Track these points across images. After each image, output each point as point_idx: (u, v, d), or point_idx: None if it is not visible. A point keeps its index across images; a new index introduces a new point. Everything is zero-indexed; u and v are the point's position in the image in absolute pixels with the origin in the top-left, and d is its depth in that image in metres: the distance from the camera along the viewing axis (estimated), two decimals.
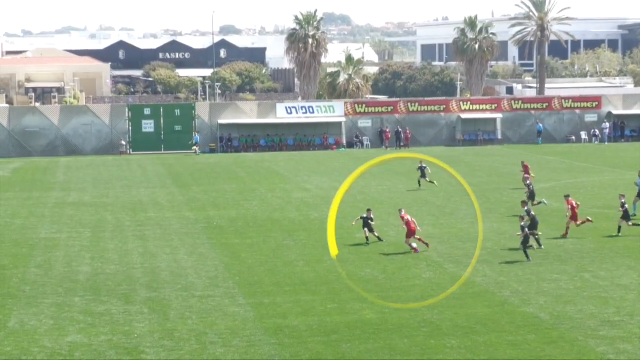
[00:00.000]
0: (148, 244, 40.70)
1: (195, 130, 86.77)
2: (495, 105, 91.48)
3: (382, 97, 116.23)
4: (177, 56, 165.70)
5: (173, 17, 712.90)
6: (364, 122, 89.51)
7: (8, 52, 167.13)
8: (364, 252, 38.11)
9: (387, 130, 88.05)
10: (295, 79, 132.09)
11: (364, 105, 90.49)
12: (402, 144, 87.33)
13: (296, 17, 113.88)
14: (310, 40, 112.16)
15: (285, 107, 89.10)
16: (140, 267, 36.05)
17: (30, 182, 64.78)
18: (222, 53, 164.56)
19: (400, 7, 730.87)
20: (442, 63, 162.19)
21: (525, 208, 39.83)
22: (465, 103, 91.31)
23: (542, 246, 38.35)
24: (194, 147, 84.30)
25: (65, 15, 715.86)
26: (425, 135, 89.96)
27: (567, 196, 41.98)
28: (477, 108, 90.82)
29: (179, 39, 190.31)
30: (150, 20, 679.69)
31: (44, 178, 67.44)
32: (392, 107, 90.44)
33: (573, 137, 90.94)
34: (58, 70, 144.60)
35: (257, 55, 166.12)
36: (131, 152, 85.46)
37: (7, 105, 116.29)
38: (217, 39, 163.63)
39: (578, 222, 41.39)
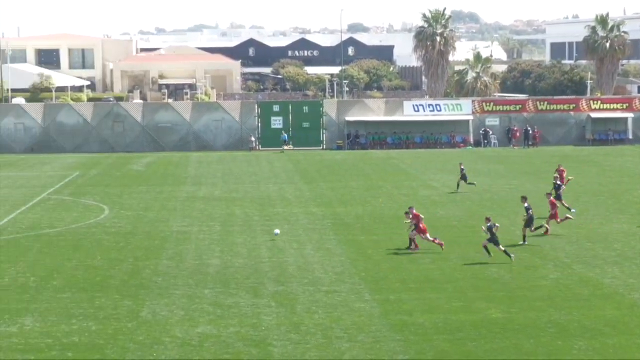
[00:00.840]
0: (276, 239, 41.12)
1: (323, 126, 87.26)
2: (627, 104, 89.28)
3: (513, 96, 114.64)
4: (305, 54, 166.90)
5: (302, 15, 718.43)
6: (492, 121, 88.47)
7: (142, 50, 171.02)
8: (490, 251, 37.69)
9: (515, 129, 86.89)
10: (423, 77, 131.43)
11: (492, 104, 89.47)
12: (530, 143, 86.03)
13: (424, 15, 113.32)
14: (438, 38, 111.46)
15: (413, 105, 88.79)
16: (268, 261, 36.45)
17: (162, 177, 66.24)
18: (350, 51, 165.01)
19: (529, 5, 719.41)
20: (572, 61, 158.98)
21: (525, 204, 39.71)
22: (595, 102, 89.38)
23: (526, 242, 38.92)
24: (284, 145, 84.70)
25: (197, 13, 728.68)
26: (554, 135, 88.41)
27: (549, 194, 42.66)
28: (608, 107, 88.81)
29: (308, 37, 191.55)
30: (280, 19, 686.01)
31: (176, 172, 68.86)
32: (520, 106, 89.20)
33: None
34: (190, 67, 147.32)
35: (384, 53, 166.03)
36: (260, 148, 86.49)
37: (141, 101, 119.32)
38: (345, 37, 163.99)
39: (559, 220, 41.55)
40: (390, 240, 40.57)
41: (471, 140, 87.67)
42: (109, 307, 29.60)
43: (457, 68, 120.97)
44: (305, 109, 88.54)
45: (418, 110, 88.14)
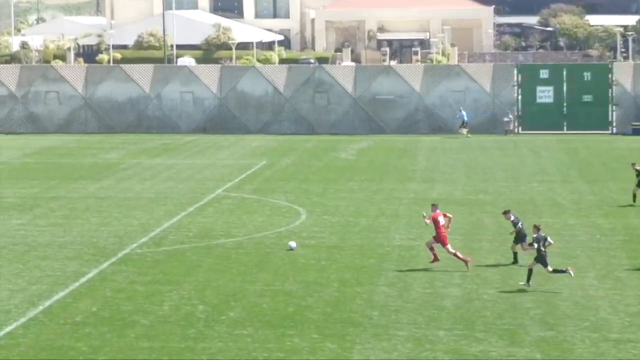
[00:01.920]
0: None
1: (613, 101, 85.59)
2: None
3: None
4: None
5: None
6: None
7: None
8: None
9: None
10: None
11: None
12: None
13: None
14: None
15: None
16: (531, 293, 35.90)
17: (380, 169, 66.69)
18: None
19: None
20: None
21: None
22: None
23: None
24: (462, 128, 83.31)
25: None
26: None
27: None
28: None
29: None
30: None
31: (399, 164, 69.22)
32: None
33: None
34: (422, 16, 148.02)
35: None
36: (520, 131, 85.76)
37: (354, 63, 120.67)
38: None
39: None
40: None
41: None
42: (305, 350, 29.84)
43: None
44: (587, 75, 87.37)
45: None
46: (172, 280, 38.03)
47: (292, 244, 43.26)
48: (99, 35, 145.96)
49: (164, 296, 35.75)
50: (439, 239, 39.44)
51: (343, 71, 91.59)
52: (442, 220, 39.58)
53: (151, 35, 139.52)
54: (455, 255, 39.38)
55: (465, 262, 39.27)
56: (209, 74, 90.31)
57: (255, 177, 63.79)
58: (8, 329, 31.61)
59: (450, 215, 40.46)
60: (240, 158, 72.40)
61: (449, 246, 39.39)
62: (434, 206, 40.38)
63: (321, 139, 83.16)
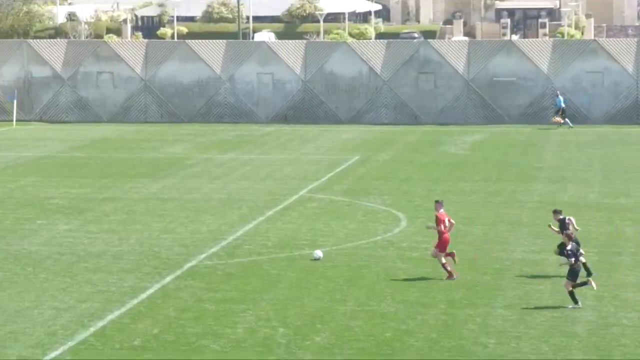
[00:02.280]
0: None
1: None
2: None
3: None
4: None
5: None
6: None
7: None
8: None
9: None
10: None
11: None
12: None
13: None
14: None
15: None
16: None
17: (498, 167, 66.70)
18: None
19: None
20: None
21: None
22: None
23: None
24: (556, 117, 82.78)
25: None
26: None
27: None
28: None
29: None
30: None
31: (521, 160, 69.13)
32: None
33: None
34: None
35: None
36: None
37: (467, 38, 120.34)
38: None
39: None
40: None
41: None
42: None
43: None
44: None
45: None
46: (247, 298, 38.05)
47: (318, 252, 43.36)
48: (161, 5, 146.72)
49: (237, 317, 35.76)
50: (440, 243, 40.07)
51: (454, 47, 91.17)
52: (447, 222, 40.18)
53: (223, 4, 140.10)
54: (443, 265, 40.08)
55: (451, 275, 39.95)
56: (292, 52, 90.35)
57: (346, 175, 63.77)
58: (54, 354, 31.75)
59: (453, 222, 40.90)
60: (329, 153, 72.43)
61: (442, 254, 40.14)
62: (439, 203, 40.76)
63: (426, 130, 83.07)
